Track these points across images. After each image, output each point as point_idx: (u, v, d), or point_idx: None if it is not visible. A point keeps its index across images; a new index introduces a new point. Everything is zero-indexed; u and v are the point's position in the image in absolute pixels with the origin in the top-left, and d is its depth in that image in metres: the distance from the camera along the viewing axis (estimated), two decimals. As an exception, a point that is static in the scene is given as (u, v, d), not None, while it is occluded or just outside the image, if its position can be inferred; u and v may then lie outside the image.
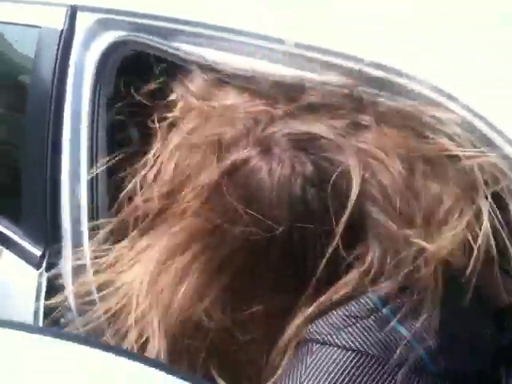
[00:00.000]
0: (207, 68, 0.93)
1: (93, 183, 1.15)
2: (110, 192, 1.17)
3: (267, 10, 0.95)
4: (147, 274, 0.82)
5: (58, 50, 1.19)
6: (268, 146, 0.75)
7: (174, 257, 0.80)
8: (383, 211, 0.73)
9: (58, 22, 1.22)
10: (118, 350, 0.74)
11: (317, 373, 0.70)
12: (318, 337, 0.72)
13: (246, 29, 0.91)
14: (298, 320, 0.74)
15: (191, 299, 0.79)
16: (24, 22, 1.37)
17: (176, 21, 1.00)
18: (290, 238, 0.73)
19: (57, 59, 1.18)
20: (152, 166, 0.88)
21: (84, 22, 1.17)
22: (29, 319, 1.23)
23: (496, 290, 0.86)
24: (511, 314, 0.86)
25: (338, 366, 0.69)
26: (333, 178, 0.73)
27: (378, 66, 0.79)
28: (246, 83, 0.86)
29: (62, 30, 1.19)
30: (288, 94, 0.83)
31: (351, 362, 0.69)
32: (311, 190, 0.73)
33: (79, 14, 1.19)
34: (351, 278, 0.73)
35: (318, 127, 0.76)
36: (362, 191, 0.73)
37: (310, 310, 0.73)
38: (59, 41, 1.19)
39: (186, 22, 0.98)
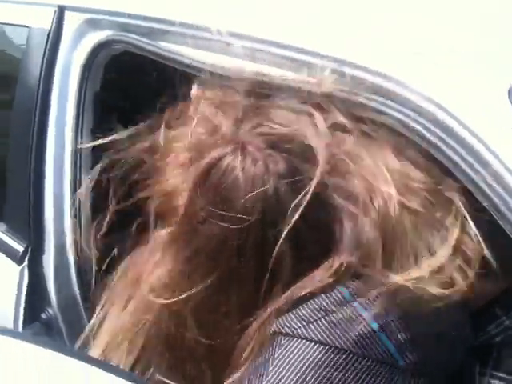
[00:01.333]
0: (189, 67, 0.94)
1: (76, 179, 1.15)
2: (94, 188, 1.17)
3: (253, 11, 0.97)
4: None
5: (45, 48, 1.19)
6: (242, 144, 0.75)
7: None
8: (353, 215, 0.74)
9: (47, 22, 1.23)
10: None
11: (284, 365, 0.70)
12: (287, 330, 0.72)
13: (230, 29, 0.93)
14: (266, 312, 0.74)
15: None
16: (14, 21, 1.38)
17: (161, 21, 1.01)
18: (262, 234, 0.73)
19: (44, 58, 1.19)
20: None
21: (72, 21, 1.18)
22: (10, 314, 1.23)
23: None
24: (487, 314, 0.87)
25: (305, 359, 0.69)
26: (304, 176, 0.73)
27: (364, 69, 0.80)
28: (225, 81, 0.87)
29: (50, 30, 1.20)
30: (266, 92, 0.83)
31: (318, 354, 0.69)
32: (284, 188, 0.73)
33: (67, 14, 1.20)
34: (320, 272, 0.73)
35: (293, 127, 0.77)
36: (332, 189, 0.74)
37: (280, 301, 0.73)
38: (47, 40, 1.20)
39: (171, 23, 0.99)
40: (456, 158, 0.73)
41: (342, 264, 0.73)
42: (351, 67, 0.79)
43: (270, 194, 0.73)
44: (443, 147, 0.74)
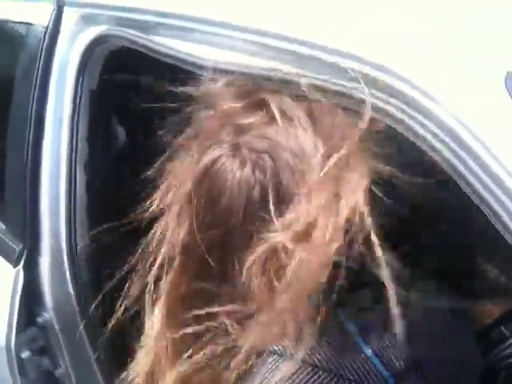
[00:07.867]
0: (188, 64, 0.85)
1: (71, 181, 1.07)
2: (89, 191, 1.09)
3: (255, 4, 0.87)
4: None
5: (42, 44, 1.11)
6: (238, 146, 0.65)
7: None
8: None
9: (46, 18, 1.14)
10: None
11: None
12: (275, 348, 0.65)
13: (228, 21, 0.83)
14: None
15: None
16: (13, 18, 1.29)
17: (158, 14, 0.92)
18: (241, 245, 0.64)
19: (41, 54, 1.11)
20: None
21: (70, 17, 1.10)
22: (3, 316, 1.15)
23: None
24: (493, 335, 0.78)
25: (290, 380, 0.62)
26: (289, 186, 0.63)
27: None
28: (228, 77, 0.78)
29: (48, 26, 1.11)
30: (269, 90, 0.73)
31: (304, 376, 0.62)
32: (269, 196, 0.62)
33: (66, 10, 1.11)
34: None
35: (287, 133, 0.65)
36: None
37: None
38: (44, 36, 1.11)
39: (167, 15, 0.90)
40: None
41: None
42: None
43: (255, 200, 0.63)
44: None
